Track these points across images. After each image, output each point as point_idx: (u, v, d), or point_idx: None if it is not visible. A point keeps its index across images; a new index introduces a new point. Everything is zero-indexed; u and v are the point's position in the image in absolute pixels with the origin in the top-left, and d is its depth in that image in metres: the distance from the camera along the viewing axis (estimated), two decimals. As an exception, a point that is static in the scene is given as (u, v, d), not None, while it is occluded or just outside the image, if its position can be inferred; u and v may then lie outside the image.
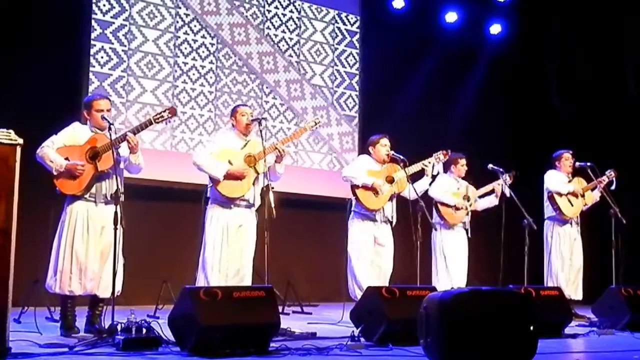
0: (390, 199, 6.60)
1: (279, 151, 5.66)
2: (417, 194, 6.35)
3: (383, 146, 6.60)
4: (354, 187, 6.54)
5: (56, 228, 5.10)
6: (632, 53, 10.28)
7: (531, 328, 4.11)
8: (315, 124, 6.07)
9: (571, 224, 7.69)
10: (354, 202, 6.64)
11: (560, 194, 7.56)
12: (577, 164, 7.67)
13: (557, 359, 4.78)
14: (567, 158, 7.77)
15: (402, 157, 6.51)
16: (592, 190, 7.76)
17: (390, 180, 6.56)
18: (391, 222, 6.64)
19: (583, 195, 7.70)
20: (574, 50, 10.72)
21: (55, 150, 5.02)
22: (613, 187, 7.65)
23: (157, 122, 5.12)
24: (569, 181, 7.74)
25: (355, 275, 6.50)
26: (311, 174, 9.27)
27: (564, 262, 7.61)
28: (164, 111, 5.13)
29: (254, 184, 5.66)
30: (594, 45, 10.42)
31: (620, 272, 7.39)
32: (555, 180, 7.67)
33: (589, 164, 7.56)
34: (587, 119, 10.58)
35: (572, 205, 7.64)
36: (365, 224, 6.57)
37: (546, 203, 7.69)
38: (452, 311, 3.98)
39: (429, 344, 4.04)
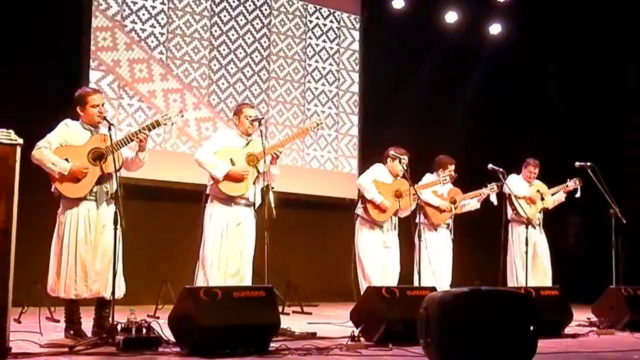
0: (395, 213, 6.69)
1: (275, 153, 5.64)
2: (419, 197, 6.39)
3: (401, 163, 6.60)
4: (364, 197, 6.63)
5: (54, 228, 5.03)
6: (632, 52, 10.29)
7: (531, 328, 4.11)
8: (317, 125, 6.06)
9: (533, 225, 7.73)
10: (360, 209, 6.68)
11: (516, 197, 7.67)
12: (577, 164, 7.68)
13: (557, 359, 4.78)
14: (530, 171, 8.03)
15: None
16: (553, 194, 8.02)
17: (399, 196, 6.62)
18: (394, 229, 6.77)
19: (543, 198, 7.86)
20: (574, 50, 10.74)
21: (53, 151, 4.83)
22: (578, 195, 7.76)
23: (165, 124, 5.09)
24: (530, 185, 7.98)
25: (367, 277, 6.52)
26: (311, 174, 9.29)
27: (526, 262, 7.60)
28: (169, 112, 5.12)
29: (255, 183, 5.66)
30: (594, 45, 10.43)
31: (620, 272, 7.39)
32: (514, 184, 7.78)
33: (589, 164, 7.57)
34: (587, 119, 10.60)
35: (531, 207, 7.81)
36: (374, 230, 6.67)
37: (508, 206, 7.77)
38: (452, 311, 3.98)
39: (429, 344, 4.04)
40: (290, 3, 9.32)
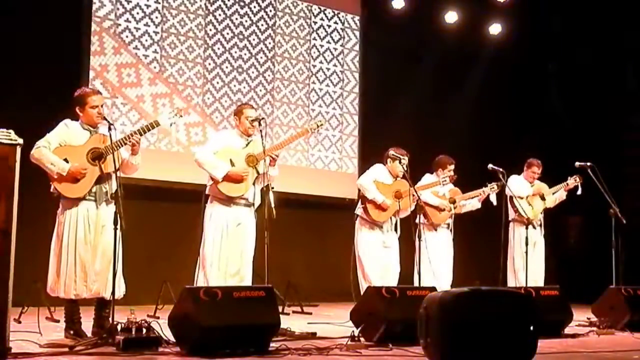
0: (395, 214, 6.67)
1: (273, 155, 5.63)
2: (419, 198, 6.39)
3: (401, 164, 6.59)
4: (364, 197, 6.60)
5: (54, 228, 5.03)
6: (632, 52, 10.30)
7: (531, 328, 4.11)
8: (318, 126, 6.04)
9: (533, 226, 7.74)
10: (360, 209, 6.68)
11: (520, 197, 7.70)
12: (577, 163, 7.69)
13: (557, 359, 4.78)
14: (534, 171, 8.03)
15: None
16: (554, 193, 8.03)
17: (399, 196, 6.60)
18: (396, 230, 6.73)
19: (544, 199, 7.87)
20: (574, 50, 10.74)
21: (52, 150, 4.84)
22: (579, 192, 7.77)
23: (164, 124, 5.10)
24: (531, 186, 7.98)
25: (367, 277, 6.51)
26: (312, 174, 9.30)
27: (526, 262, 7.61)
28: (170, 112, 5.12)
29: (254, 183, 5.66)
30: (594, 45, 10.43)
31: (620, 272, 7.39)
32: (516, 185, 7.80)
33: (589, 164, 7.57)
34: (587, 119, 10.60)
35: (532, 208, 7.81)
36: (373, 230, 6.66)
37: (509, 206, 7.77)
38: (452, 311, 3.98)
39: (429, 344, 4.04)
40: (295, 4, 9.35)
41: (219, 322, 4.40)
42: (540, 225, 7.96)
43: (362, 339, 4.96)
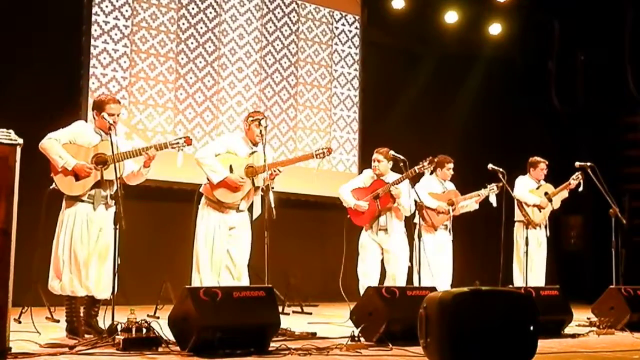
0: (381, 213, 6.58)
1: (276, 170, 5.59)
2: (418, 196, 6.38)
3: (372, 161, 6.59)
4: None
5: (55, 228, 5.05)
6: (632, 52, 10.30)
7: (531, 328, 4.11)
8: (324, 154, 5.88)
9: (539, 227, 7.73)
10: None
11: (527, 204, 7.65)
12: (577, 163, 7.68)
13: (557, 359, 4.78)
14: (542, 168, 7.93)
15: (402, 157, 6.50)
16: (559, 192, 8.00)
17: (376, 196, 6.55)
18: (386, 230, 6.62)
19: (551, 201, 7.81)
20: (574, 50, 10.75)
21: (61, 145, 4.94)
22: (580, 189, 7.75)
23: (173, 148, 5.17)
24: (538, 187, 7.86)
25: (361, 279, 6.51)
26: (311, 174, 9.28)
27: (525, 262, 7.61)
28: (181, 138, 5.21)
29: (247, 197, 5.62)
30: (595, 45, 10.43)
31: (620, 272, 7.39)
32: (523, 188, 7.77)
33: (589, 164, 7.57)
34: (587, 119, 10.61)
35: (540, 211, 7.77)
36: (366, 231, 6.67)
37: (515, 207, 7.74)
38: (452, 311, 3.97)
39: (429, 344, 4.04)
40: (317, 10, 9.50)
41: (219, 322, 4.41)
42: (546, 227, 7.92)
43: (362, 339, 4.96)
